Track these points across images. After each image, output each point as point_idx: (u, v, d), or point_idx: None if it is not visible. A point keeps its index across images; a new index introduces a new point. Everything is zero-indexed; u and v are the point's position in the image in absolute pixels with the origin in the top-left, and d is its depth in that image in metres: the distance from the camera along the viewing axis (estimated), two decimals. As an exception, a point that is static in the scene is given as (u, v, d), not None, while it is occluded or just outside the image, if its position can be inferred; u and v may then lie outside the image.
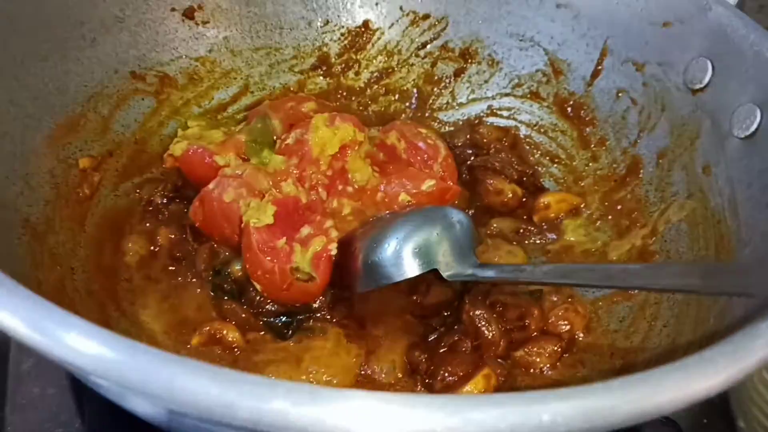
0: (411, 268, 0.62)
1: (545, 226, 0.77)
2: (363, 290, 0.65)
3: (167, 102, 0.82)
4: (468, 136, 0.85)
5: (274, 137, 0.76)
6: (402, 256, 0.63)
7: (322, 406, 0.34)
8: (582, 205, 0.78)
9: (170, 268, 0.70)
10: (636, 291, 0.67)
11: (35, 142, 0.67)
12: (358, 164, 0.72)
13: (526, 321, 0.66)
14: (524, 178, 0.80)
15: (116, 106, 0.77)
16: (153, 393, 0.35)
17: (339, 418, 0.34)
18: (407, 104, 0.90)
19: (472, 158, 0.82)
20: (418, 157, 0.76)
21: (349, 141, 0.72)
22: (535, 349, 0.64)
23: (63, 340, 0.36)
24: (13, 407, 0.65)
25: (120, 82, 0.77)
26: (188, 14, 0.82)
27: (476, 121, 0.87)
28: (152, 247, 0.71)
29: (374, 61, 0.90)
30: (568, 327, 0.66)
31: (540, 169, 0.83)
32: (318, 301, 0.67)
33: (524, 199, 0.79)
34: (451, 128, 0.88)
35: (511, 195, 0.78)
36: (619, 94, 0.78)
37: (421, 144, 0.76)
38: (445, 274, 0.63)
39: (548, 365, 0.64)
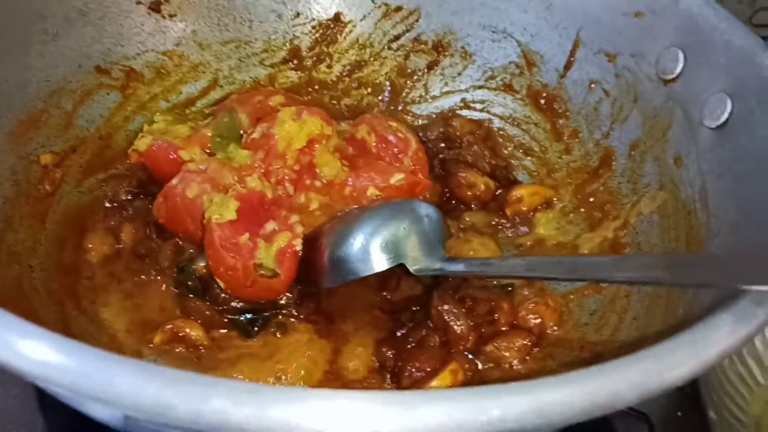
0: (378, 263, 0.61)
1: (518, 220, 0.76)
2: (330, 286, 0.64)
3: (133, 97, 0.80)
4: (441, 129, 0.84)
5: (241, 132, 0.75)
6: (369, 251, 0.61)
7: (264, 404, 0.33)
8: (555, 198, 0.77)
9: (134, 265, 0.69)
10: (605, 284, 0.66)
11: (-5, 139, 0.66)
12: (327, 158, 0.71)
13: (496, 315, 0.65)
14: (497, 171, 0.79)
15: (80, 102, 0.75)
16: (91, 395, 0.34)
17: (281, 416, 0.33)
18: (380, 98, 0.88)
19: (445, 151, 0.81)
20: (389, 151, 0.75)
21: (316, 135, 0.71)
22: (504, 343, 0.63)
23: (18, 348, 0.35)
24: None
25: (84, 77, 0.76)
26: (154, 7, 0.81)
27: (450, 114, 0.86)
28: (115, 245, 0.70)
29: (346, 54, 0.89)
30: (538, 321, 0.65)
31: (513, 162, 0.82)
32: (284, 298, 0.66)
33: (497, 193, 0.78)
34: (425, 121, 0.87)
35: (483, 188, 0.77)
36: (592, 86, 0.77)
37: (391, 137, 0.75)
38: (412, 268, 0.61)
39: (518, 359, 0.63)
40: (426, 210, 0.65)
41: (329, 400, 0.33)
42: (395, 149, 0.75)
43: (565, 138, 0.79)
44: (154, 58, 0.82)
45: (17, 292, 0.59)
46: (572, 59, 0.79)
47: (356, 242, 0.62)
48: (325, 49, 0.88)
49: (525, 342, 0.63)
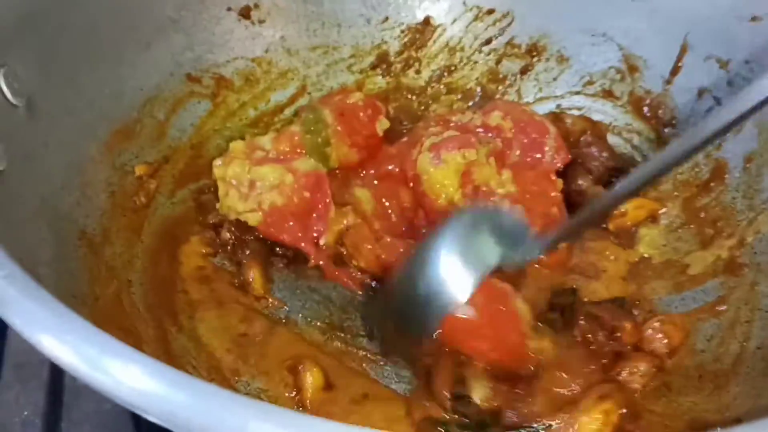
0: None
1: (620, 234, 0.72)
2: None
3: (223, 105, 0.79)
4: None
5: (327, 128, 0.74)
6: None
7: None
8: (661, 211, 0.73)
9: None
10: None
11: (91, 150, 0.66)
12: (485, 173, 0.69)
13: (618, 334, 0.61)
14: (612, 176, 0.74)
15: (172, 110, 0.75)
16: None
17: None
18: (470, 103, 0.85)
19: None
20: (528, 137, 0.73)
21: (464, 167, 0.68)
22: (628, 368, 0.60)
23: (122, 379, 0.34)
24: (69, 423, 0.64)
25: (176, 85, 0.75)
26: (244, 13, 0.79)
27: (559, 112, 0.82)
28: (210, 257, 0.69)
29: (436, 58, 0.86)
30: (666, 342, 0.61)
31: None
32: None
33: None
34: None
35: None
36: (702, 94, 0.73)
37: (527, 122, 0.73)
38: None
39: (640, 386, 0.60)
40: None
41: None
42: (534, 135, 0.72)
43: (672, 151, 0.75)
44: (244, 65, 0.81)
45: (118, 310, 0.58)
46: (679, 65, 0.75)
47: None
48: (414, 54, 0.86)
49: (649, 366, 0.60)
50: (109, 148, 0.67)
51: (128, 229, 0.66)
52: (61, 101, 0.62)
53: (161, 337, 0.60)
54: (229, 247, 0.70)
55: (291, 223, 0.68)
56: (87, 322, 0.36)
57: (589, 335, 0.62)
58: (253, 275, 0.67)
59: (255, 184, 0.69)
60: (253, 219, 0.68)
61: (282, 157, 0.72)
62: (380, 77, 0.86)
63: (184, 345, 0.61)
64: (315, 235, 0.69)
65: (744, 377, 0.56)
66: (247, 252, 0.69)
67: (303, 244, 0.69)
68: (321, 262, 0.69)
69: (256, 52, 0.81)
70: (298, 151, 0.73)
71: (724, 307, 0.63)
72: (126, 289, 0.62)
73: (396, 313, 0.63)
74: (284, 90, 0.83)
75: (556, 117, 0.80)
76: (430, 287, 0.58)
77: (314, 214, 0.69)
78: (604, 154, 0.75)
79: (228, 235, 0.70)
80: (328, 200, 0.69)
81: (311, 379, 0.59)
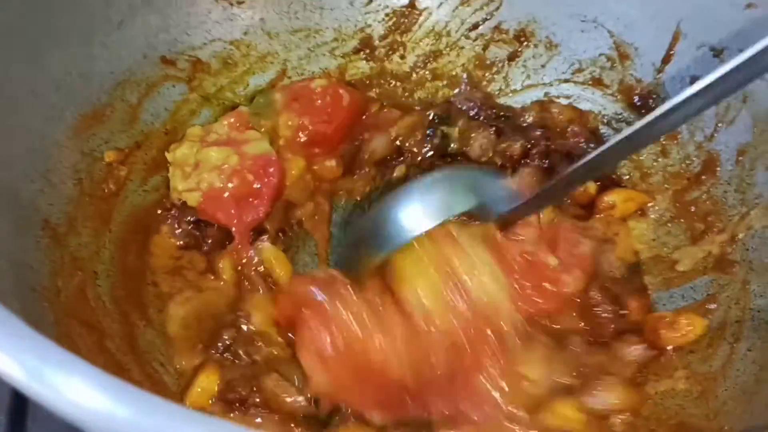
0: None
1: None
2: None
3: (199, 88, 0.76)
4: (536, 115, 0.77)
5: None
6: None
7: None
8: (650, 204, 0.71)
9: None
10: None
11: (57, 135, 0.63)
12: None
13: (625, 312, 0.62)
14: None
15: (145, 94, 0.72)
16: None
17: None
18: (456, 90, 0.83)
19: (545, 141, 0.74)
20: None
21: None
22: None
23: (63, 392, 0.31)
24: (34, 421, 0.61)
25: (149, 68, 0.72)
26: (222, -6, 0.76)
27: (547, 100, 0.80)
28: (181, 248, 0.66)
29: (421, 43, 0.83)
30: (683, 334, 0.60)
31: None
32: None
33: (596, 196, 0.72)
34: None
35: (582, 190, 0.71)
36: (694, 83, 0.70)
37: None
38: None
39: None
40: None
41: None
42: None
43: (662, 139, 0.73)
44: (221, 48, 0.77)
45: (81, 303, 0.56)
46: (671, 53, 0.72)
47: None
48: (399, 38, 0.83)
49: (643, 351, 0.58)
50: (76, 133, 0.64)
51: (96, 218, 0.64)
52: (25, 83, 0.59)
53: (128, 332, 0.58)
54: (190, 236, 0.68)
55: (227, 205, 0.67)
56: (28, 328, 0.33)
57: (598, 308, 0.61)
58: (222, 264, 0.65)
59: (198, 165, 0.68)
60: (191, 198, 0.67)
61: (235, 140, 0.71)
62: (363, 62, 0.83)
63: (152, 340, 0.59)
64: (249, 219, 0.68)
65: (733, 381, 0.54)
66: (209, 241, 0.67)
67: (234, 228, 0.67)
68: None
69: (234, 34, 0.78)
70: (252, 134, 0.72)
71: (713, 306, 0.61)
72: (91, 281, 0.59)
73: (357, 236, 0.68)
74: (263, 74, 0.80)
75: (543, 106, 0.78)
76: (392, 219, 0.63)
77: (252, 199, 0.68)
78: (591, 145, 0.73)
79: (186, 224, 0.68)
80: (272, 185, 0.68)
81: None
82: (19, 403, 0.62)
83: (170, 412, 0.30)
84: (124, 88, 0.70)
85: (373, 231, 0.65)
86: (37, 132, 0.60)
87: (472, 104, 0.78)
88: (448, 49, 0.83)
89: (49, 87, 0.62)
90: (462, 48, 0.83)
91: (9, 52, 0.57)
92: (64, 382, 0.31)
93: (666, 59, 0.73)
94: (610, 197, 0.70)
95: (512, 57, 0.81)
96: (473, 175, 0.69)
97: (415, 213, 0.63)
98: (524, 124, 0.77)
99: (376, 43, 0.83)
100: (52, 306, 0.52)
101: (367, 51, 0.83)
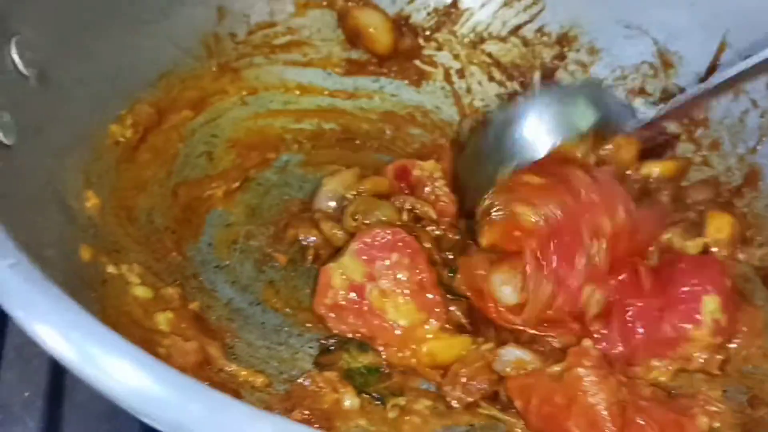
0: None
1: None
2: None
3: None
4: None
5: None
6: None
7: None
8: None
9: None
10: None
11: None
12: None
13: None
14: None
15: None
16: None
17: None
18: (497, 94, 0.83)
19: None
20: None
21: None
22: None
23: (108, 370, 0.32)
24: (71, 405, 0.62)
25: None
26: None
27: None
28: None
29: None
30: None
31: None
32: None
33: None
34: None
35: None
36: (738, 94, 0.70)
37: None
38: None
39: None
40: None
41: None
42: None
43: (703, 149, 0.72)
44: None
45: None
46: (716, 63, 0.72)
47: None
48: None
49: None
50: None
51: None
52: (73, 72, 0.60)
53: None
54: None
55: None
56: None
57: None
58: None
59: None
60: None
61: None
62: (404, 60, 0.83)
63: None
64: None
65: None
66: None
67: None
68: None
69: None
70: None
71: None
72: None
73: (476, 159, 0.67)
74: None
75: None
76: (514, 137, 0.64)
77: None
78: None
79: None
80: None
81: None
82: (57, 388, 0.63)
83: (211, 397, 0.31)
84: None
85: (494, 147, 0.65)
86: (84, 121, 0.61)
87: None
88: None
89: (97, 77, 0.62)
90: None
91: (60, 43, 0.58)
92: (109, 361, 0.33)
93: (711, 69, 0.72)
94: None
95: (554, 60, 0.81)
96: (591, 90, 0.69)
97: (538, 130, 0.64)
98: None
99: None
100: (99, 296, 0.52)
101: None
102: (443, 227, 0.65)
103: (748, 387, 0.56)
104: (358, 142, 0.78)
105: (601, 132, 0.65)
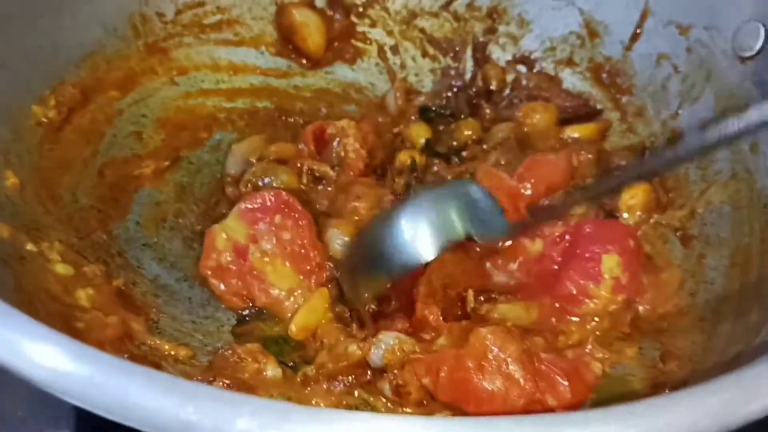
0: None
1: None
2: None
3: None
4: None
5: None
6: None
7: (294, 427, 0.30)
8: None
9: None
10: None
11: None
12: None
13: None
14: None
15: (116, 67, 0.72)
16: (102, 407, 0.31)
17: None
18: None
19: None
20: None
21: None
22: None
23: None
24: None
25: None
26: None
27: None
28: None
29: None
30: None
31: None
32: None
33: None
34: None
35: None
36: (660, 60, 0.71)
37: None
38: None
39: None
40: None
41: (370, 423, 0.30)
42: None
43: (629, 116, 0.74)
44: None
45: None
46: (639, 30, 0.73)
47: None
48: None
49: None
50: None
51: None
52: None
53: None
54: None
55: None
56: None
57: None
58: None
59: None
60: None
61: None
62: (338, 36, 0.83)
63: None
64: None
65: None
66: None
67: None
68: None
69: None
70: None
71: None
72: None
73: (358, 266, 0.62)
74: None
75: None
76: (394, 244, 0.57)
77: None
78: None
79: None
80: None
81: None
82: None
83: (129, 371, 0.31)
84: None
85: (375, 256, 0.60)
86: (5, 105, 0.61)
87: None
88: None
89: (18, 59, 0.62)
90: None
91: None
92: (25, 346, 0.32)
93: (634, 37, 0.73)
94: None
95: (485, 34, 0.82)
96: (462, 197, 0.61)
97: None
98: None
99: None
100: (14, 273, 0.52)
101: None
102: None
103: (662, 343, 0.57)
104: (292, 120, 0.78)
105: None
